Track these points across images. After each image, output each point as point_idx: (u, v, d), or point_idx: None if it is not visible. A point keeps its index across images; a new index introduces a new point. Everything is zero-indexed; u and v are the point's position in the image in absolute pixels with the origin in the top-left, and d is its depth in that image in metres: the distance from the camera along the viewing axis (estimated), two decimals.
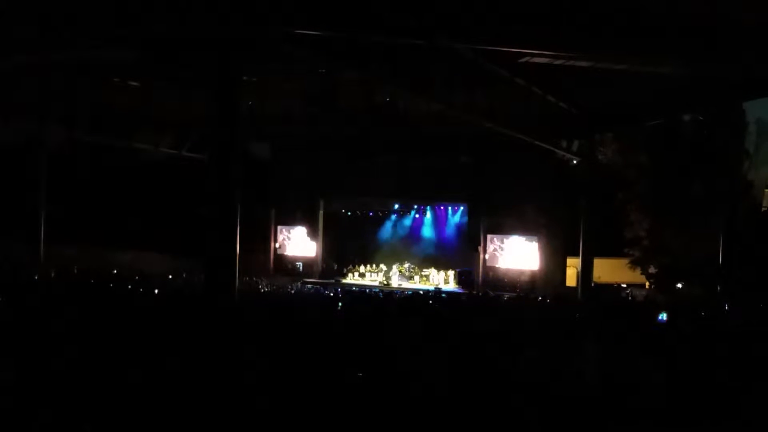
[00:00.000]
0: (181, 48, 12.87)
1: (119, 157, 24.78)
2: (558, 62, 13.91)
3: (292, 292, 19.14)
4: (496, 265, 24.66)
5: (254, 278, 21.01)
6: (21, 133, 22.38)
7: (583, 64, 14.05)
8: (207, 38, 11.05)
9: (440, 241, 27.12)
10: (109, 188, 25.69)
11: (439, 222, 27.43)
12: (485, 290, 21.63)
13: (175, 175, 25.50)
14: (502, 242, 24.66)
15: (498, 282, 24.09)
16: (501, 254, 24.66)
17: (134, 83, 17.30)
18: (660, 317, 11.30)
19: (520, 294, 20.89)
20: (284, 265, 27.95)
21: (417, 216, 27.66)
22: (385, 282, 24.80)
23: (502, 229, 24.54)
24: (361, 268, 26.52)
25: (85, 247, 23.74)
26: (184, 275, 19.82)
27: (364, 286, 23.41)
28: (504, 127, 17.56)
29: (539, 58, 13.76)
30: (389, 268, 25.55)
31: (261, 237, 27.38)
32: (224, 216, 10.71)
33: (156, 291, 13.48)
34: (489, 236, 24.79)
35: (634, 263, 25.87)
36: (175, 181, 25.45)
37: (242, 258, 11.16)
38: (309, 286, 22.78)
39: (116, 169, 25.38)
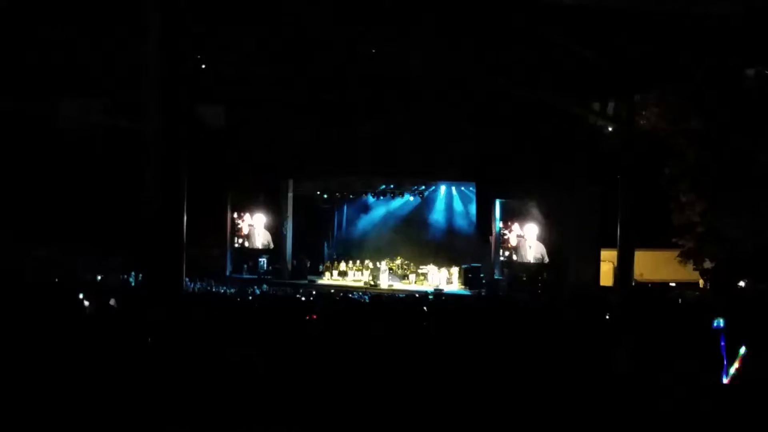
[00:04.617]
0: None
1: (35, 127, 24.70)
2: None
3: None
4: (512, 260, 24.86)
5: (206, 279, 21.11)
6: None
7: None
8: None
9: (441, 231, 27.26)
10: (23, 166, 25.60)
11: (439, 206, 27.56)
12: (495, 292, 21.84)
13: (104, 150, 25.43)
14: (519, 231, 24.85)
15: (514, 280, 24.27)
16: (517, 246, 24.87)
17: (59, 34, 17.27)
18: (716, 323, 11.43)
19: (541, 296, 21.10)
20: (244, 262, 28.06)
21: (411, 198, 27.72)
22: (372, 282, 24.96)
23: (519, 214, 24.71)
24: (342, 265, 26.64)
25: None
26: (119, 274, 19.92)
27: (346, 288, 23.55)
28: (519, 85, 17.68)
29: None
30: (377, 265, 25.69)
31: (214, 227, 27.43)
32: (167, 201, 10.76)
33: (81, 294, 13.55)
34: (502, 223, 24.97)
35: (685, 256, 26.13)
36: (105, 158, 25.39)
37: (190, 253, 11.24)
38: (275, 288, 22.88)
39: (31, 142, 25.29)
